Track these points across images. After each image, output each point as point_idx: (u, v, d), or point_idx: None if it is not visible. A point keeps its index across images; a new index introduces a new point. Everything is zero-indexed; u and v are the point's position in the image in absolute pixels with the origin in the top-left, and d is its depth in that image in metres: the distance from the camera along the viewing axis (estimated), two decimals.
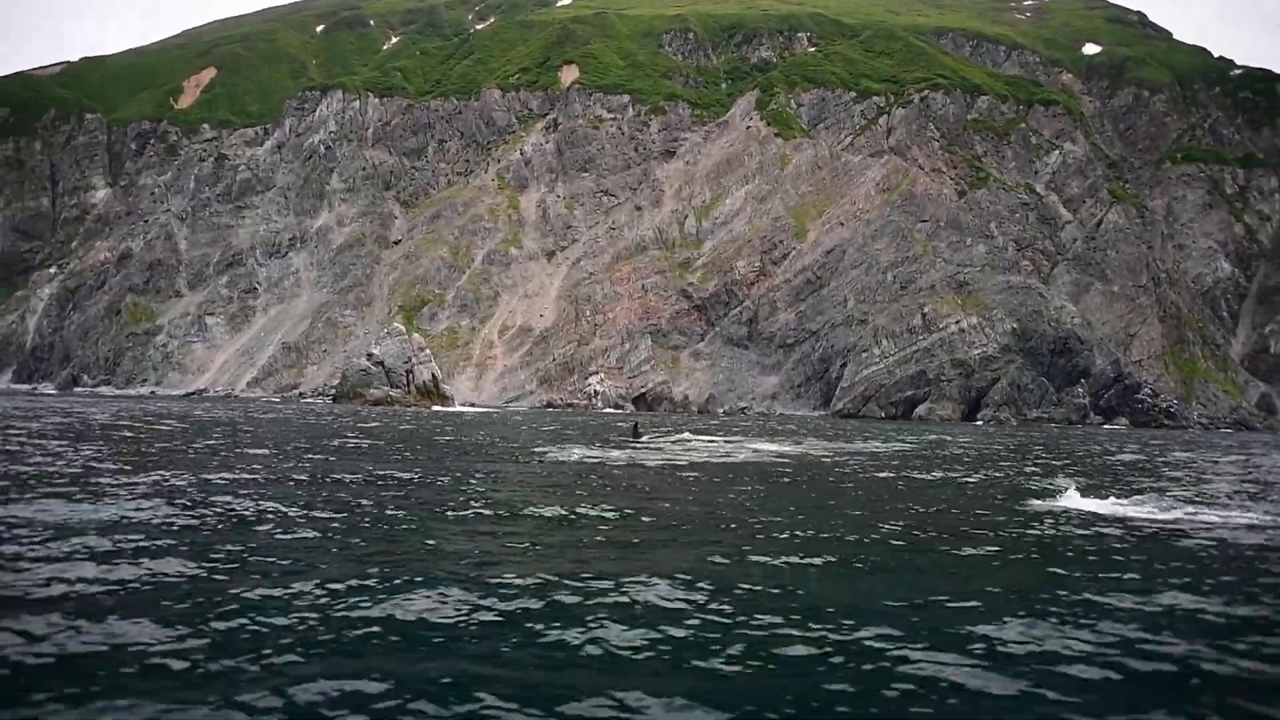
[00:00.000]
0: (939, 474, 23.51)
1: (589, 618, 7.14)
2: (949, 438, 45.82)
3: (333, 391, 78.85)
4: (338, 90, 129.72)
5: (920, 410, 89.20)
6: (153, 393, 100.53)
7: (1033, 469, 27.01)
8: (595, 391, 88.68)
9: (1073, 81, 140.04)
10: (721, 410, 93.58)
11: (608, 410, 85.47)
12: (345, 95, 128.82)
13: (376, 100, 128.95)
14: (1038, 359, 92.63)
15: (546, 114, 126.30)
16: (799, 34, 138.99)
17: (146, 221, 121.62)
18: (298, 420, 38.31)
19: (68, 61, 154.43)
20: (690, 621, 7.14)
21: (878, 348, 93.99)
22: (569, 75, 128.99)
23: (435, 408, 64.67)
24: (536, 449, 28.36)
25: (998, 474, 24.60)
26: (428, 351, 72.12)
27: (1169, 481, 23.97)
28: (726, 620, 7.23)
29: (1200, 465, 31.98)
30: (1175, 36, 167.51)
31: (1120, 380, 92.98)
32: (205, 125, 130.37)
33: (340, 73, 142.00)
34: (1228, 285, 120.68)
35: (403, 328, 74.72)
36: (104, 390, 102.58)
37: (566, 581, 8.50)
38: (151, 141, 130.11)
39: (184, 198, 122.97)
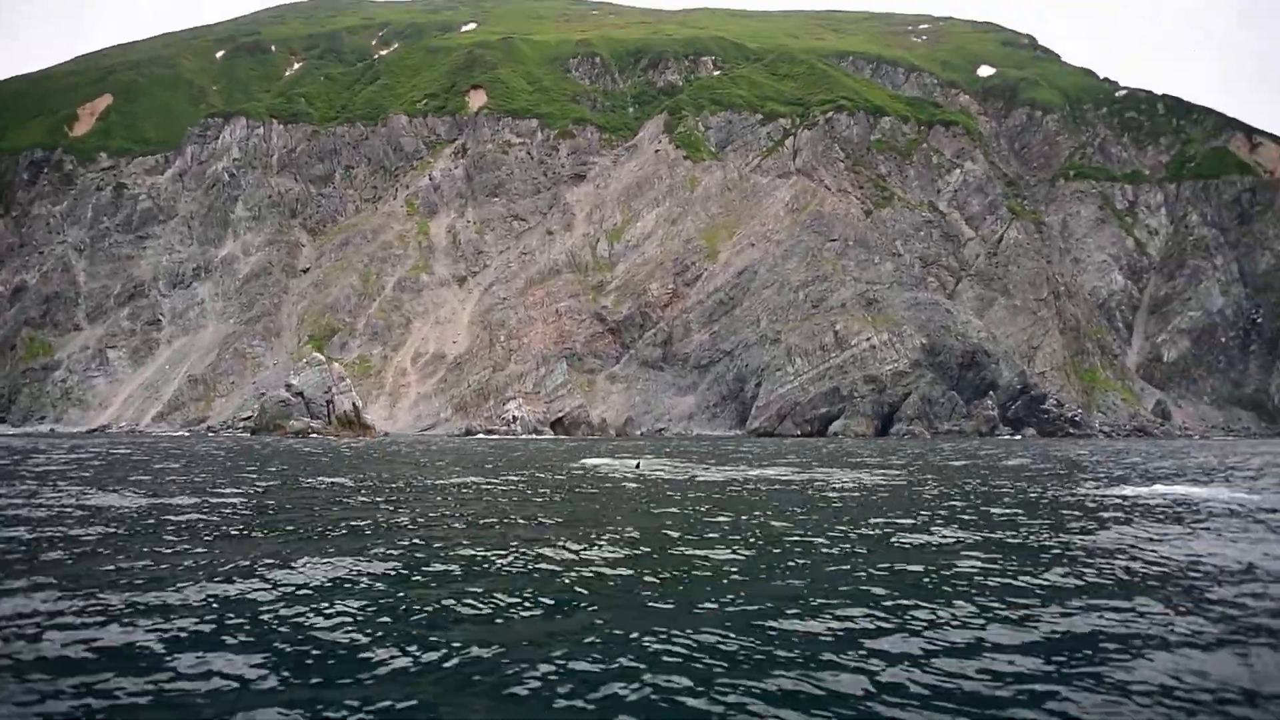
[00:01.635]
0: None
1: None
2: (926, 456, 45.36)
3: (248, 423, 77.09)
4: (240, 117, 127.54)
5: (835, 427, 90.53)
6: (52, 430, 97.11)
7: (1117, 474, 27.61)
8: (514, 417, 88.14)
9: (969, 102, 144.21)
10: (639, 432, 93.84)
11: (526, 436, 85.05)
12: (249, 122, 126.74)
13: (281, 127, 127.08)
14: (947, 373, 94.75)
15: (455, 139, 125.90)
16: (704, 58, 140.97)
17: (42, 253, 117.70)
18: (282, 460, 34.38)
19: None
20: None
21: (791, 366, 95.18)
22: (476, 100, 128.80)
23: (361, 438, 63.65)
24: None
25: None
26: (348, 381, 71.02)
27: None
28: None
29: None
30: (1064, 59, 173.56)
31: (1026, 391, 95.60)
32: (102, 153, 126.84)
33: (241, 99, 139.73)
34: (1121, 297, 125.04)
35: (322, 357, 73.46)
36: None
37: None
38: (45, 170, 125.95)
39: (81, 228, 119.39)
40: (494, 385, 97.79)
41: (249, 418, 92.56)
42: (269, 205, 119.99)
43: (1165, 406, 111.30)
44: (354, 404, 68.89)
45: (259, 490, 20.59)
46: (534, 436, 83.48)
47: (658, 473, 28.08)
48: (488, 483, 23.91)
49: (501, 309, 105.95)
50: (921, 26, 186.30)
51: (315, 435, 63.97)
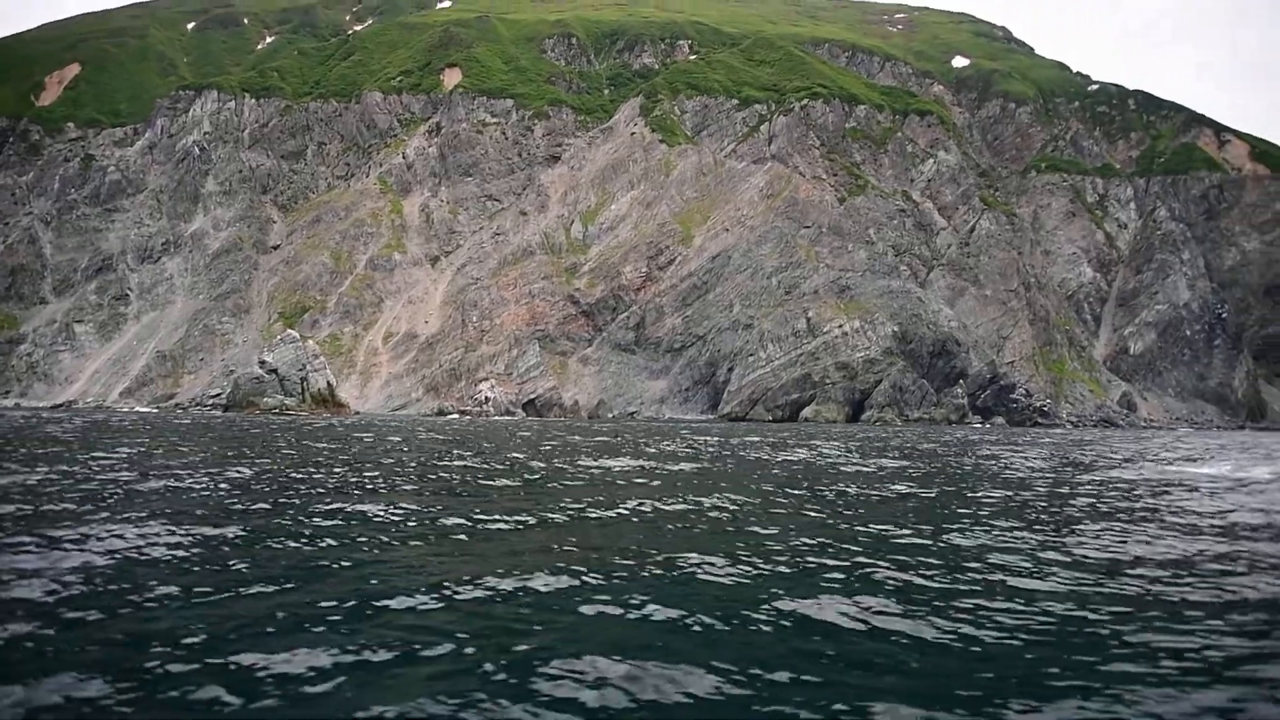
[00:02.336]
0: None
1: None
2: (951, 447, 42.49)
3: (218, 401, 76.48)
4: (212, 90, 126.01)
5: (806, 413, 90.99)
6: (17, 405, 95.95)
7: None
8: (486, 398, 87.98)
9: (943, 92, 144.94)
10: (611, 415, 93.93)
11: (498, 417, 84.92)
12: (220, 95, 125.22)
13: (253, 101, 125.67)
14: (918, 361, 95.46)
15: (429, 117, 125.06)
16: (680, 41, 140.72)
17: (7, 224, 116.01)
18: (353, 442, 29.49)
19: None
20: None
21: (764, 351, 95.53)
22: (451, 78, 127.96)
23: (336, 417, 63.29)
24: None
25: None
26: (322, 359, 70.55)
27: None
28: None
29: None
30: (1037, 51, 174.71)
31: (996, 381, 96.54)
32: (70, 124, 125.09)
33: (213, 72, 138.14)
34: (1090, 289, 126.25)
35: (296, 334, 72.90)
36: None
37: None
38: (11, 140, 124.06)
39: (48, 199, 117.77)
40: (466, 366, 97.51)
41: (218, 395, 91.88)
42: (240, 180, 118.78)
43: (1131, 398, 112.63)
44: (328, 382, 68.51)
45: (391, 470, 18.69)
46: (507, 418, 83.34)
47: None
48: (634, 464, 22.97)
49: (474, 289, 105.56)
50: (897, 16, 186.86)
51: (290, 413, 63.54)
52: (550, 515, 11.82)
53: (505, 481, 16.69)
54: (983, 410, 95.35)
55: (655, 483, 17.00)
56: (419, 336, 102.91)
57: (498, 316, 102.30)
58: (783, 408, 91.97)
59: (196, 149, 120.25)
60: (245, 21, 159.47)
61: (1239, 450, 37.90)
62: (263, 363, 68.06)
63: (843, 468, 22.38)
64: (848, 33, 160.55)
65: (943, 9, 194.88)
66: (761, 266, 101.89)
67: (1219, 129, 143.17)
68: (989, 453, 32.53)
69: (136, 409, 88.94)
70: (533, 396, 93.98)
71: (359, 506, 12.49)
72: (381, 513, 11.62)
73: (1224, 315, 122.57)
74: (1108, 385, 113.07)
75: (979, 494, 16.20)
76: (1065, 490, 17.28)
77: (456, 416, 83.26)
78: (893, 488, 16.81)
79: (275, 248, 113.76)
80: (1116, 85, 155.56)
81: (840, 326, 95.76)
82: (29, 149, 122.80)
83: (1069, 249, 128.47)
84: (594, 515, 12.09)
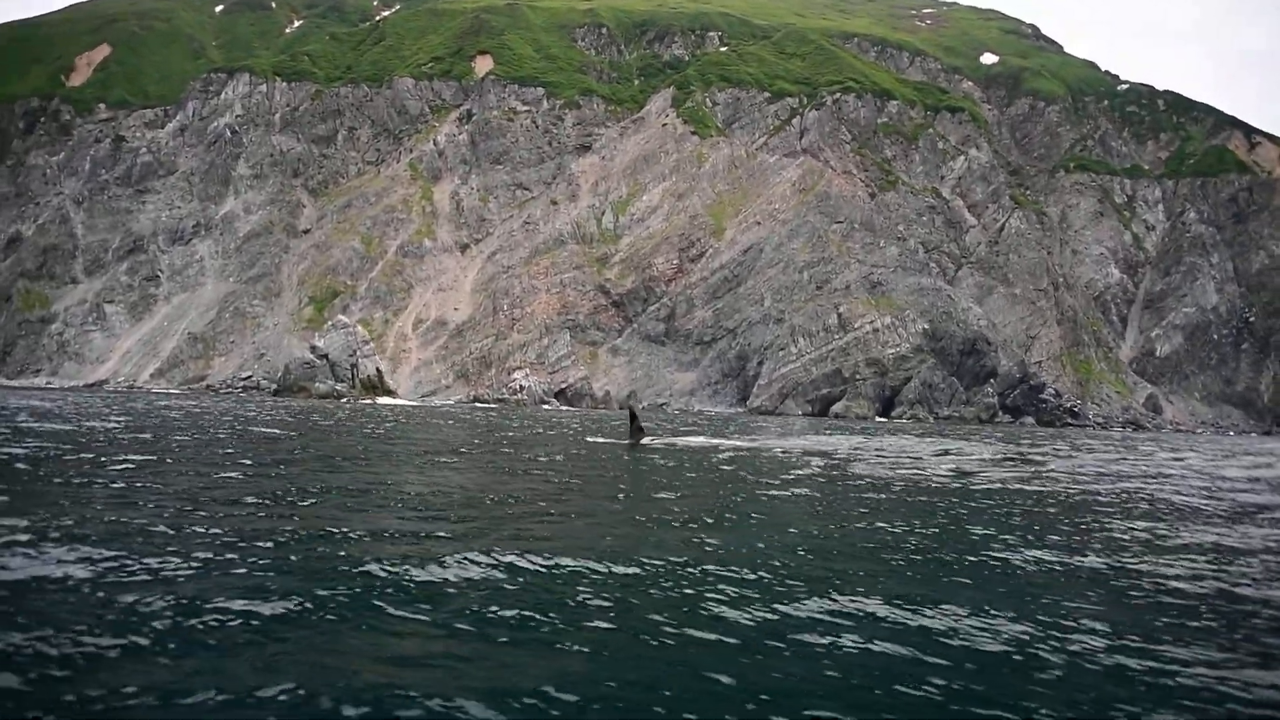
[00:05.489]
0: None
1: None
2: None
3: (248, 383, 76.65)
4: (244, 73, 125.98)
5: (837, 408, 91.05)
6: (48, 384, 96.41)
7: None
8: (521, 386, 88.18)
9: (972, 89, 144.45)
10: (641, 406, 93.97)
11: (531, 406, 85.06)
12: (252, 78, 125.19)
13: (284, 85, 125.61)
14: (947, 359, 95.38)
15: (460, 104, 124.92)
16: (710, 33, 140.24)
17: (38, 204, 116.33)
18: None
19: None
20: None
21: (795, 346, 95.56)
22: (483, 65, 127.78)
23: (382, 400, 63.56)
24: None
25: None
26: (371, 345, 70.81)
27: None
28: None
29: None
30: (1066, 49, 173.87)
31: (1025, 380, 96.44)
32: (101, 105, 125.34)
33: (241, 55, 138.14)
34: (1117, 290, 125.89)
35: (346, 320, 73.09)
36: None
37: None
38: (42, 120, 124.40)
39: (79, 180, 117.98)
40: (496, 354, 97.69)
41: (249, 377, 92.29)
42: (271, 164, 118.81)
43: (1157, 400, 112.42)
44: (377, 368, 68.79)
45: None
46: (541, 407, 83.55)
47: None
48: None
49: (505, 277, 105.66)
50: (926, 11, 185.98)
51: (344, 399, 63.65)
52: None
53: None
54: (1012, 409, 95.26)
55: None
56: (449, 324, 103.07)
57: (528, 305, 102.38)
58: (813, 402, 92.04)
59: (228, 132, 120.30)
60: (273, 5, 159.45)
61: None
62: (314, 348, 68.30)
63: None
64: (876, 27, 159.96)
65: (971, 5, 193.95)
66: (793, 260, 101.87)
67: (1250, 131, 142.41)
68: None
69: (168, 390, 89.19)
70: (564, 386, 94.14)
71: None
72: None
73: (1251, 319, 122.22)
74: (1134, 387, 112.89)
75: None
76: None
77: (491, 405, 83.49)
78: None
79: (306, 232, 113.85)
80: (1146, 85, 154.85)
81: (871, 322, 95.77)
82: (60, 129, 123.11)
83: (1096, 249, 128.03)
84: None
